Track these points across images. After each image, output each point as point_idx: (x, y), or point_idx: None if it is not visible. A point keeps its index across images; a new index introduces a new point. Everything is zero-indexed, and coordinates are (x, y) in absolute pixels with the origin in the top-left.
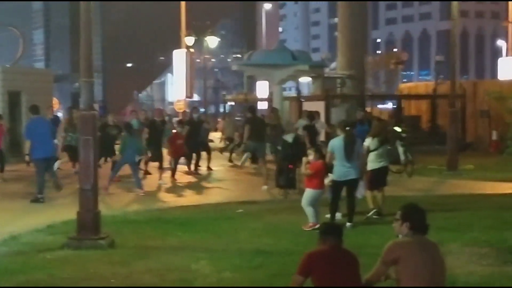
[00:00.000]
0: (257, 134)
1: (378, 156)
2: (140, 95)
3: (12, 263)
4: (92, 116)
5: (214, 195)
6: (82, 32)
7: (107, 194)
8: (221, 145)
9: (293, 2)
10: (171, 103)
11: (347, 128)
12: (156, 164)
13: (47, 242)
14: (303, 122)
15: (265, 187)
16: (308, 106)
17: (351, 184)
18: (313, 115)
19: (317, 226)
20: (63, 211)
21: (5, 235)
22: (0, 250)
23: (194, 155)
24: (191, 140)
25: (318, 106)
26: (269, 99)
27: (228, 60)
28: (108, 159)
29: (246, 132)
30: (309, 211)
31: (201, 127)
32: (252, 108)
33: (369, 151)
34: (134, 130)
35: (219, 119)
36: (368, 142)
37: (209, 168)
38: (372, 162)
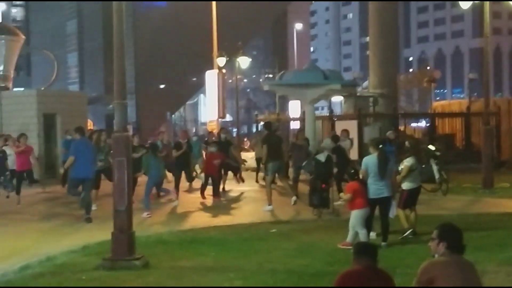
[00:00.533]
0: (276, 153)
1: (416, 175)
2: (173, 116)
3: (48, 284)
4: (125, 138)
5: (246, 215)
6: (115, 54)
7: (148, 217)
8: (253, 164)
9: (324, 21)
10: (204, 124)
11: (380, 146)
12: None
13: (82, 263)
14: (328, 141)
15: (269, 207)
16: (340, 125)
17: (385, 202)
18: (337, 137)
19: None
20: (97, 232)
21: (40, 256)
22: (36, 271)
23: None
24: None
25: (351, 125)
26: (301, 119)
27: (260, 80)
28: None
29: (264, 152)
30: (361, 233)
31: (229, 147)
32: (268, 125)
33: (410, 170)
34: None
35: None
36: (410, 161)
37: (223, 190)
38: (410, 182)
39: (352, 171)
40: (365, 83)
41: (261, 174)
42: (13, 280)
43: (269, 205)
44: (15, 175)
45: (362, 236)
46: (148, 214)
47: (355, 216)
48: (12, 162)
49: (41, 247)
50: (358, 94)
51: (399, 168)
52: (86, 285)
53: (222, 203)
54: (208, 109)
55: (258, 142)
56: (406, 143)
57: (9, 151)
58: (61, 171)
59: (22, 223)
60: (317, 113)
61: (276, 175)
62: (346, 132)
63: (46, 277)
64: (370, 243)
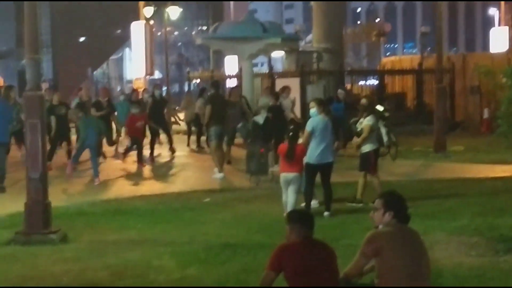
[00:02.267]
0: (220, 115)
1: (376, 135)
2: (94, 72)
3: None
4: (39, 97)
5: (177, 184)
6: (25, 2)
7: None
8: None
9: None
10: (130, 81)
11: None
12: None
13: None
14: (265, 100)
15: (220, 174)
16: (281, 83)
17: (328, 168)
18: (277, 94)
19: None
20: (9, 203)
21: None
22: None
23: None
24: (153, 121)
25: (293, 83)
26: (239, 76)
27: (193, 33)
28: (64, 143)
29: (207, 114)
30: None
31: (164, 107)
32: (216, 84)
33: (371, 130)
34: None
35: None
36: (370, 120)
37: (172, 150)
38: (372, 143)
39: (291, 133)
40: (309, 37)
41: (193, 138)
42: None
43: (220, 172)
44: None
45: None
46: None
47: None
48: None
49: None
50: (300, 49)
51: (358, 129)
52: None
53: (150, 170)
54: (134, 65)
55: (191, 103)
56: (363, 100)
57: None
58: None
59: None
60: (256, 70)
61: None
62: (287, 89)
63: None
64: (305, 211)
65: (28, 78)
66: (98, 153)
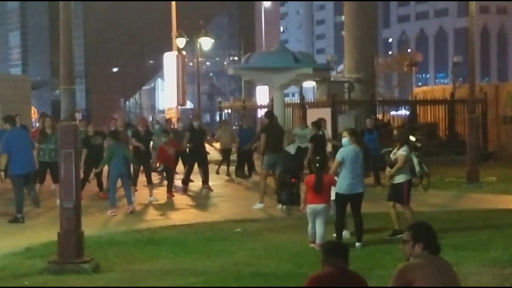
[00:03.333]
0: (274, 145)
1: (408, 166)
2: (127, 102)
3: None
4: (73, 127)
5: (208, 213)
6: (61, 33)
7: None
8: (218, 157)
9: None
10: (162, 111)
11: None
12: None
13: (25, 266)
14: (298, 131)
15: (261, 205)
16: (313, 113)
17: (358, 199)
18: (320, 124)
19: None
20: (42, 232)
21: None
22: None
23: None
24: (191, 152)
25: (324, 113)
26: (269, 106)
27: (224, 63)
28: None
29: (262, 142)
30: (308, 229)
31: (204, 137)
32: (270, 113)
33: (405, 160)
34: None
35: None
36: (405, 150)
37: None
38: (406, 173)
39: (318, 163)
40: (340, 67)
41: (223, 168)
42: None
43: (260, 202)
44: None
45: (308, 232)
46: (112, 212)
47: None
48: None
49: None
50: (332, 79)
51: (392, 159)
52: None
53: (181, 200)
54: (166, 95)
55: (226, 132)
56: (395, 131)
57: None
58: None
59: None
60: (287, 99)
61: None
62: (324, 121)
63: None
64: (341, 242)
65: (63, 108)
66: (133, 181)
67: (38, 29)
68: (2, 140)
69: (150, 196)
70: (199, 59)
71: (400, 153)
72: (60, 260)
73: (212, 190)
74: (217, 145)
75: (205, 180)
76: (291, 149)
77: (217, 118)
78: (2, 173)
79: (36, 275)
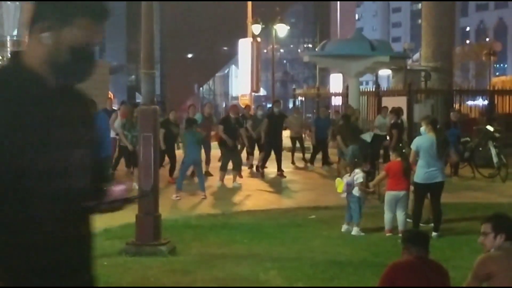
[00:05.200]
0: (356, 135)
1: None
2: (201, 89)
3: None
4: (153, 111)
5: (283, 200)
6: (143, 18)
7: (177, 199)
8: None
9: None
10: (235, 98)
11: (438, 127)
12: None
13: (104, 247)
14: (381, 119)
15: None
16: (388, 102)
17: (438, 188)
18: (399, 112)
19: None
20: (120, 214)
21: None
22: None
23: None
24: (269, 138)
25: (400, 102)
26: (344, 94)
27: (298, 50)
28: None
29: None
30: (385, 217)
31: (282, 124)
32: (347, 118)
33: None
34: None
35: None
36: None
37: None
38: None
39: (403, 149)
40: (416, 56)
41: (297, 155)
42: None
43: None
44: None
45: (386, 220)
46: (177, 196)
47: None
48: None
49: None
50: (408, 67)
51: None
52: (109, 271)
53: (256, 186)
54: (240, 82)
55: (298, 120)
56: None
57: None
58: None
59: None
60: (362, 88)
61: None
62: (401, 110)
63: None
64: (421, 231)
65: (143, 93)
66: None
67: (115, 15)
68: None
69: (234, 181)
70: (274, 46)
71: None
72: (138, 242)
73: (285, 177)
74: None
75: (279, 167)
76: (367, 137)
77: (290, 105)
78: None
79: (114, 255)
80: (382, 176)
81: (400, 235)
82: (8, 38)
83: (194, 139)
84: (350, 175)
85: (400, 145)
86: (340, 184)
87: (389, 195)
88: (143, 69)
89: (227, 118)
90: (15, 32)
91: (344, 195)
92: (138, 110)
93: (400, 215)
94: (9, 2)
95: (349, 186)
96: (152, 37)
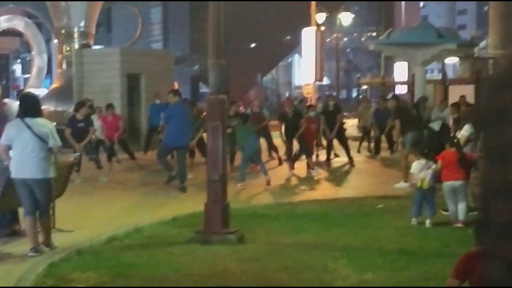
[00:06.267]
0: (416, 122)
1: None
2: (264, 78)
3: (138, 257)
4: (221, 101)
5: (350, 189)
6: (211, 7)
7: (243, 188)
8: (356, 133)
9: None
10: (298, 87)
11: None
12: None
13: (173, 235)
14: (438, 113)
15: (406, 184)
16: (455, 90)
17: None
18: (459, 105)
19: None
20: (188, 202)
21: (128, 227)
22: (125, 243)
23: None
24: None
25: (467, 90)
26: (409, 83)
27: (362, 39)
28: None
29: (398, 124)
30: (449, 209)
31: (335, 117)
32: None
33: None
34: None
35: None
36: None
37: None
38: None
39: (455, 139)
40: (483, 43)
41: (364, 144)
42: (101, 251)
43: (405, 181)
44: (103, 144)
45: (450, 211)
46: (242, 186)
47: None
48: (100, 131)
49: (129, 217)
50: (476, 55)
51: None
52: (178, 259)
53: (323, 175)
54: (304, 71)
55: (367, 109)
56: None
57: (96, 121)
58: (160, 136)
59: (107, 191)
60: (428, 76)
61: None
62: (462, 98)
63: (135, 249)
64: None
65: (211, 82)
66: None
67: (178, 5)
68: (166, 110)
69: (312, 169)
70: (337, 35)
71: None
72: (206, 230)
73: (354, 166)
74: (354, 121)
75: (348, 156)
76: (436, 125)
77: (354, 95)
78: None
79: (183, 244)
80: (439, 166)
81: (461, 225)
82: (76, 29)
83: (248, 133)
84: (421, 167)
85: (453, 135)
86: (424, 180)
87: (445, 186)
88: (211, 59)
89: (284, 114)
90: (82, 24)
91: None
92: (206, 99)
93: (460, 205)
94: None
95: (432, 179)
96: (220, 26)
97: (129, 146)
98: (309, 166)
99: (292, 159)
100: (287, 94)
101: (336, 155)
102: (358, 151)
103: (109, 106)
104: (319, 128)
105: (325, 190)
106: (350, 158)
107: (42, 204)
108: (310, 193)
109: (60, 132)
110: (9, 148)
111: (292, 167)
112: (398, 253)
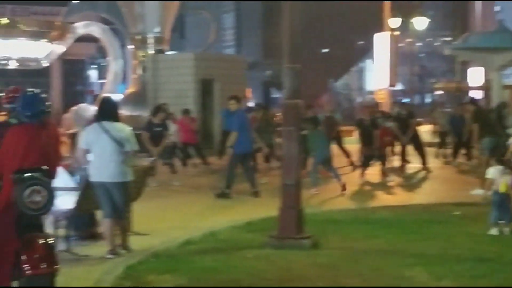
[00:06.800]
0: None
1: None
2: (336, 83)
3: (213, 260)
4: (296, 106)
5: (424, 195)
6: (286, 11)
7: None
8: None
9: None
10: (371, 92)
11: None
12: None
13: (247, 239)
14: None
15: (482, 191)
16: None
17: None
18: None
19: None
20: (261, 207)
21: (204, 231)
22: (200, 247)
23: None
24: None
25: None
26: (485, 88)
27: (436, 44)
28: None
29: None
30: None
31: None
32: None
33: None
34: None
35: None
36: None
37: (426, 167)
38: None
39: None
40: None
41: (441, 150)
42: (177, 254)
43: (482, 188)
44: (179, 148)
45: None
46: (316, 191)
47: None
48: (176, 135)
49: (203, 221)
50: None
51: None
52: (253, 264)
53: (396, 181)
54: (376, 76)
55: (443, 114)
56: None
57: (171, 125)
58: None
59: (182, 195)
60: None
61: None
62: None
63: (210, 253)
64: None
65: (287, 87)
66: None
67: (251, 11)
68: (235, 118)
69: (387, 176)
70: (410, 40)
71: None
72: (280, 235)
73: (430, 171)
74: (429, 127)
75: (423, 162)
76: None
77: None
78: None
79: (257, 248)
80: None
81: None
82: (150, 35)
83: (320, 138)
84: (499, 173)
85: None
86: (506, 185)
87: None
88: (286, 63)
89: (361, 121)
90: (156, 29)
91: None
92: (282, 104)
93: None
94: None
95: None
96: (295, 30)
97: (202, 150)
98: (384, 173)
99: (363, 165)
100: (359, 100)
101: (407, 161)
102: (436, 157)
103: (186, 111)
104: (394, 137)
105: (398, 196)
106: (425, 164)
107: (120, 207)
108: (383, 199)
109: (135, 136)
110: (87, 152)
111: (362, 174)
112: (476, 260)
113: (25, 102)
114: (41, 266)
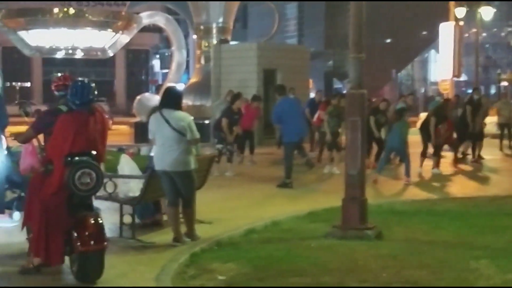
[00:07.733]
0: None
1: None
2: (399, 74)
3: (276, 250)
4: (361, 96)
5: (489, 187)
6: (352, 1)
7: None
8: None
9: None
10: (434, 83)
11: None
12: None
13: (310, 229)
14: None
15: None
16: None
17: None
18: None
19: None
20: (323, 198)
21: (266, 220)
22: (263, 236)
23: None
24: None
25: None
26: None
27: (502, 34)
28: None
29: None
30: None
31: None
32: None
33: None
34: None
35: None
36: None
37: (479, 157)
38: None
39: None
40: None
41: (505, 142)
42: (240, 243)
43: None
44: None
45: None
46: (375, 179)
47: None
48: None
49: (264, 210)
50: None
51: None
52: (316, 253)
53: (462, 173)
54: (440, 67)
55: (507, 105)
56: None
57: None
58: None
59: (243, 184)
60: None
61: None
62: None
63: (273, 242)
64: None
65: (352, 77)
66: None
67: (314, 1)
68: (274, 109)
69: (433, 168)
70: (475, 30)
71: None
72: (343, 226)
73: (484, 158)
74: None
75: (478, 153)
76: None
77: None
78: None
79: (320, 238)
80: None
81: None
82: (214, 25)
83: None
84: None
85: None
86: None
87: None
88: (351, 53)
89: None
90: (220, 20)
91: None
92: (347, 94)
93: None
94: None
95: None
96: (361, 20)
97: (254, 139)
98: (455, 163)
99: (423, 156)
100: (422, 91)
101: (467, 154)
102: (501, 149)
103: (256, 97)
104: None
105: (464, 188)
106: (479, 155)
107: (184, 195)
108: (448, 191)
109: (198, 126)
110: (154, 141)
111: (437, 164)
112: None
113: (75, 90)
114: (91, 243)
